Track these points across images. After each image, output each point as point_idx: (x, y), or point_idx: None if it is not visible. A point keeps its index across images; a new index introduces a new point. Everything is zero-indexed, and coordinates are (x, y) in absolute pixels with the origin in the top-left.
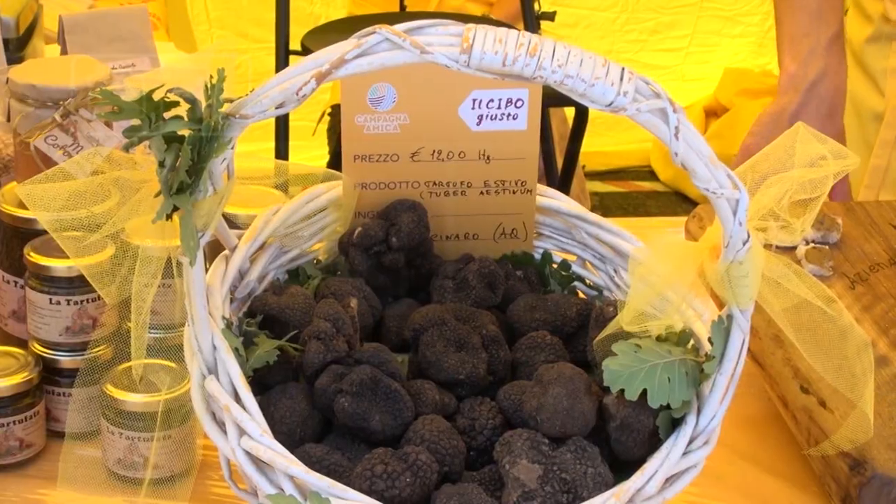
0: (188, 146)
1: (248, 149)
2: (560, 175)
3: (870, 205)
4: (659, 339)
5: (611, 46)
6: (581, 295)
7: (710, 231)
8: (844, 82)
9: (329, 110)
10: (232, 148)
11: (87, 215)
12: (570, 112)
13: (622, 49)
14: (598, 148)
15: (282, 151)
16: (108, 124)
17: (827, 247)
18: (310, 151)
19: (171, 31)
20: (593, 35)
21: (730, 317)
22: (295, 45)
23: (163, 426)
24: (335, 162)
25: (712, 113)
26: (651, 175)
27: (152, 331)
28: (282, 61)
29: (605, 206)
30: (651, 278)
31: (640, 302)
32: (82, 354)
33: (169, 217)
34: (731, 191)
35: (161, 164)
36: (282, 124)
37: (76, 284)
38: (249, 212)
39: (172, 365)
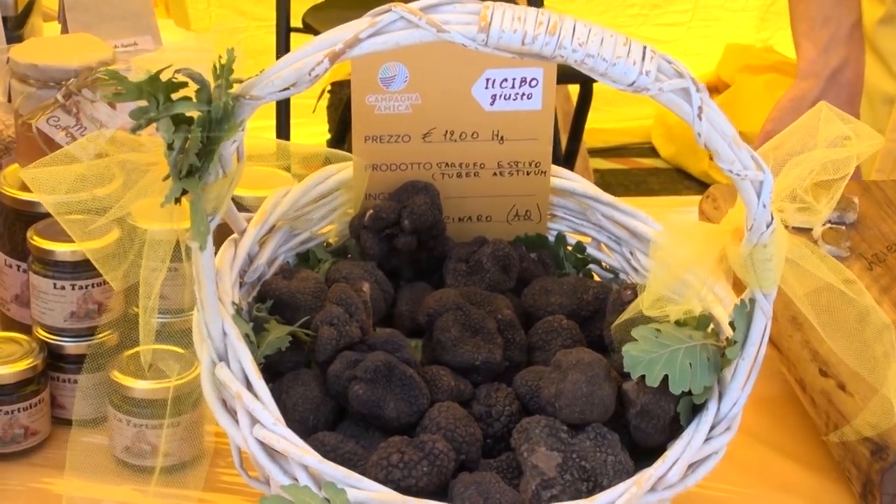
0: (198, 128)
1: (248, 126)
2: (564, 153)
3: (886, 184)
4: (678, 323)
5: (612, 21)
6: (596, 278)
7: (731, 213)
8: (863, 71)
9: (329, 87)
10: (242, 130)
11: (92, 198)
12: (573, 89)
13: (623, 23)
14: (598, 125)
15: (283, 130)
16: (112, 105)
17: (844, 227)
18: (310, 128)
19: (170, 9)
20: (595, 9)
21: (752, 300)
22: (295, 21)
23: (172, 413)
24: (336, 140)
25: (714, 89)
26: (652, 152)
27: (160, 315)
28: (283, 38)
29: (607, 182)
30: (672, 262)
31: (660, 286)
32: (88, 340)
33: (178, 201)
34: (755, 172)
35: (170, 147)
36: (283, 103)
37: (81, 269)
38: (257, 194)
39: (181, 350)
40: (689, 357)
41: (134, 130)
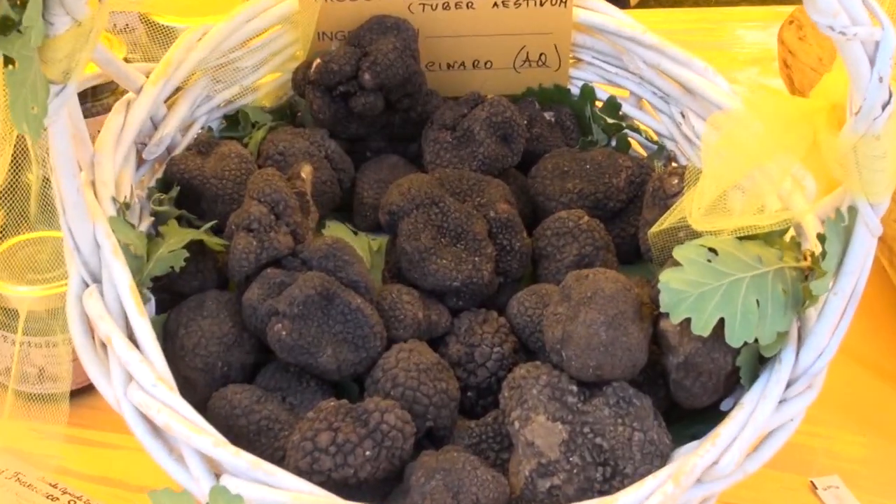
0: None
1: None
2: None
3: None
4: (742, 238)
5: None
6: (635, 146)
7: (826, 81)
8: None
9: None
10: None
11: None
12: None
13: None
14: None
15: None
16: None
17: None
18: None
19: None
20: None
21: (852, 210)
22: None
23: (43, 328)
24: None
25: None
26: None
27: None
28: None
29: None
30: (736, 151)
31: (716, 187)
32: None
33: (7, 65)
34: (868, 28)
35: None
36: None
37: None
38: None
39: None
40: (756, 291)
41: None
